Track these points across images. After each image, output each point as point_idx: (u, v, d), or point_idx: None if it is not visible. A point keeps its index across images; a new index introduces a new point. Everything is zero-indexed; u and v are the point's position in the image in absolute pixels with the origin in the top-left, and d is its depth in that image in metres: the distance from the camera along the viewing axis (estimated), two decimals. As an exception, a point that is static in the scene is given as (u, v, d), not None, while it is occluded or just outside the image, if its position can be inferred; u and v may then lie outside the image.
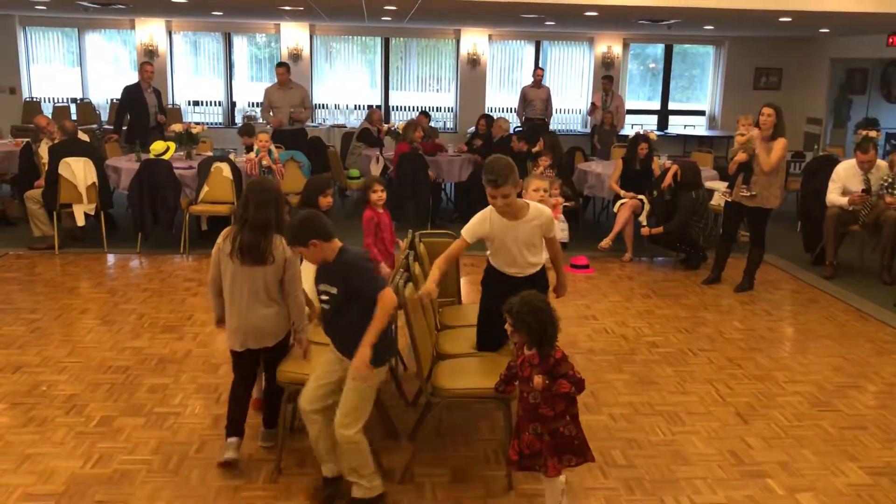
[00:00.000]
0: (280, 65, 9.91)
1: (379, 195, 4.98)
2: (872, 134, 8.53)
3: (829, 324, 6.05)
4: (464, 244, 3.83)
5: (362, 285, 3.21)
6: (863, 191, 7.13)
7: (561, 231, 6.19)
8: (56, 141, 7.74)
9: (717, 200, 8.11)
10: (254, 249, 3.46)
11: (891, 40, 10.44)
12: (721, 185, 8.41)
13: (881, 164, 7.37)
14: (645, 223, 7.70)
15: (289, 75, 9.84)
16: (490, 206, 3.79)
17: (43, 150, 7.95)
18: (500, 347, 3.93)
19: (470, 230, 3.83)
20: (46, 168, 7.57)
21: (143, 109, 9.54)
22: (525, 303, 3.11)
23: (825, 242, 7.40)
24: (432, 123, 11.61)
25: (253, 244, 3.46)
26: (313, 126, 13.03)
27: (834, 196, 7.28)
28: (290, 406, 3.77)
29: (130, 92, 9.58)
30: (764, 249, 6.79)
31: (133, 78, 9.75)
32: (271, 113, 9.74)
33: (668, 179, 7.50)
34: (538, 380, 3.04)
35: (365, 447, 3.30)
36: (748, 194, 6.44)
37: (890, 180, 7.11)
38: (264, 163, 7.70)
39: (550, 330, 3.08)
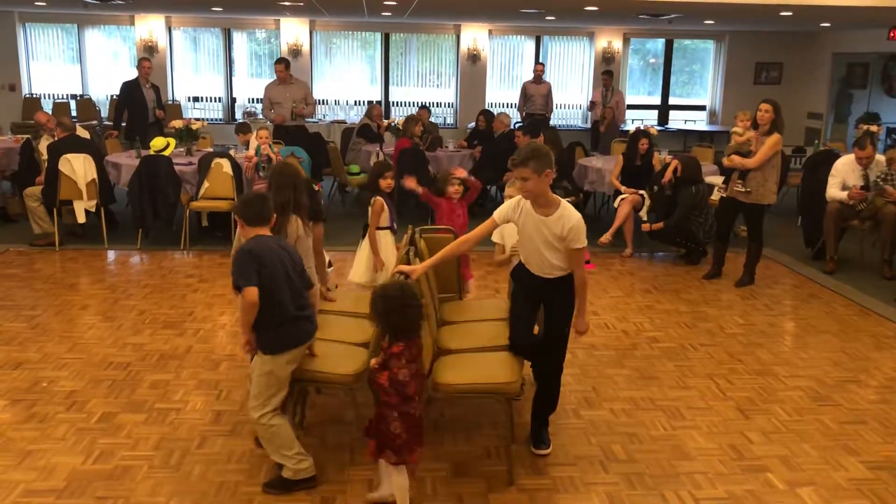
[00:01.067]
0: (279, 61, 9.73)
1: (456, 188, 5.35)
2: (873, 129, 8.53)
3: (829, 319, 6.05)
4: (492, 224, 3.79)
5: (233, 275, 3.31)
6: (861, 187, 7.11)
7: None
8: (56, 138, 7.73)
9: (718, 195, 8.11)
10: (273, 226, 3.66)
11: (892, 34, 10.42)
12: (720, 180, 8.42)
13: (880, 158, 7.37)
14: (645, 218, 7.70)
15: (288, 72, 9.73)
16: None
17: (43, 147, 7.95)
18: (528, 345, 3.83)
19: (500, 211, 3.74)
20: (46, 165, 7.56)
21: (141, 105, 9.53)
22: (380, 288, 3.24)
23: (825, 237, 7.40)
24: (432, 119, 11.60)
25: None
26: (313, 122, 13.02)
27: (833, 191, 7.27)
28: (296, 402, 3.77)
29: (129, 88, 9.57)
30: (762, 244, 6.78)
31: (133, 74, 9.73)
32: (272, 110, 9.68)
33: (669, 174, 7.49)
34: (373, 362, 3.22)
35: (282, 430, 3.40)
36: (743, 190, 6.43)
37: (883, 176, 7.10)
38: (263, 152, 7.66)
39: (395, 319, 3.09)
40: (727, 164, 6.56)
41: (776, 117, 6.32)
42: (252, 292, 3.24)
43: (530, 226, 3.64)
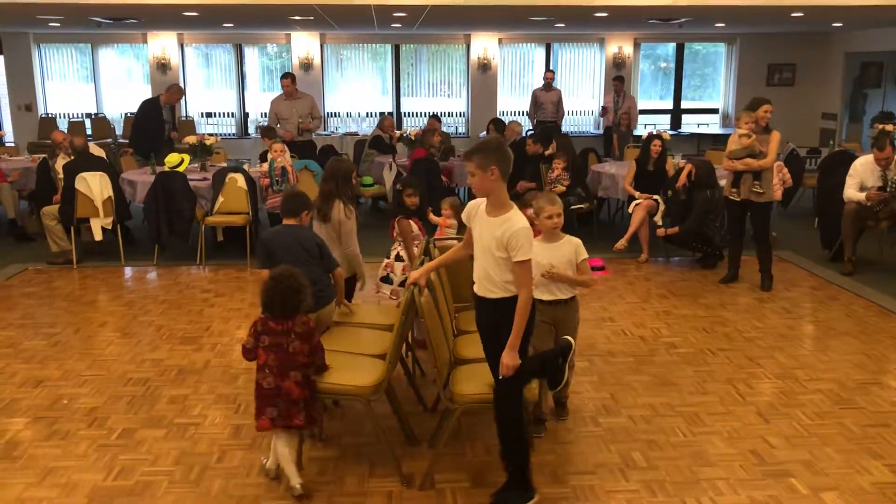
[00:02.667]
0: (285, 76, 9.72)
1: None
2: (888, 128, 8.45)
3: (849, 320, 5.99)
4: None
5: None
6: (879, 188, 7.05)
7: None
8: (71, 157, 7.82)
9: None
10: (320, 211, 4.70)
11: (905, 32, 10.34)
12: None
13: None
14: (660, 223, 7.66)
15: (294, 86, 9.71)
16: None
17: (59, 166, 8.03)
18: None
19: (464, 211, 3.50)
20: (63, 184, 7.64)
21: (158, 124, 9.63)
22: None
23: (843, 238, 7.33)
24: (444, 128, 11.63)
25: (321, 207, 4.71)
26: (325, 134, 13.09)
27: (851, 192, 7.21)
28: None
29: (149, 106, 9.65)
30: (770, 243, 6.75)
31: (146, 91, 9.85)
32: (278, 125, 9.60)
33: (683, 179, 7.46)
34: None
35: None
36: (761, 191, 6.40)
37: None
38: (278, 164, 7.68)
39: (262, 293, 3.57)
40: (742, 167, 6.49)
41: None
42: (263, 272, 3.89)
43: (478, 228, 3.35)
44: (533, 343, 3.74)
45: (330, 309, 4.37)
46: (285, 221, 4.32)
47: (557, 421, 4.23)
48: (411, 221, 5.20)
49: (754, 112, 6.44)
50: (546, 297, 4.01)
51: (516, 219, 3.22)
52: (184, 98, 13.64)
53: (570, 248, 4.05)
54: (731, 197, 6.67)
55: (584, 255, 4.05)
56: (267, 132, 8.63)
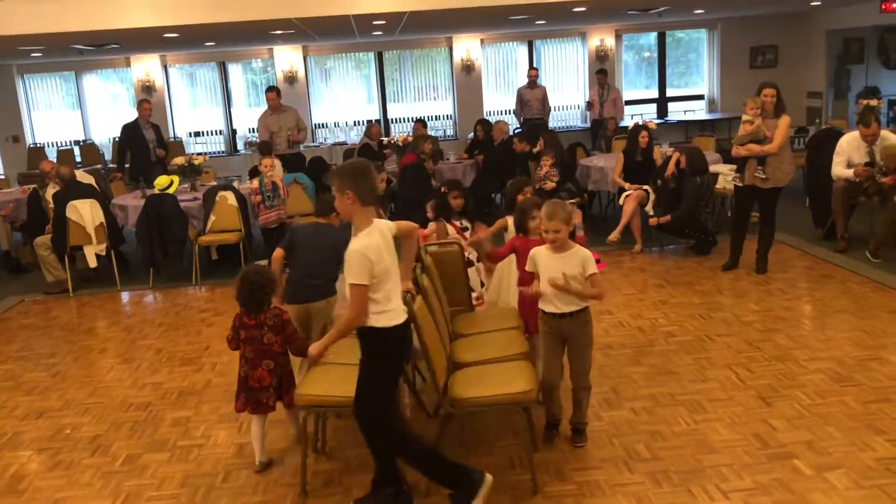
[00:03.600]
0: (270, 89, 9.77)
1: (537, 222, 4.17)
2: (873, 103, 8.46)
3: (845, 298, 6.00)
4: None
5: None
6: (866, 164, 7.07)
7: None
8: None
9: (722, 184, 8.08)
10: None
11: (883, 7, 10.38)
12: (725, 168, 8.39)
13: (886, 134, 7.30)
14: (652, 213, 7.68)
15: (279, 99, 9.78)
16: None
17: (50, 195, 8.03)
18: None
19: None
20: (53, 213, 7.64)
21: (142, 145, 9.64)
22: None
23: (834, 216, 7.35)
24: (431, 132, 11.63)
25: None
26: (314, 146, 13.10)
27: (839, 169, 7.23)
28: (316, 427, 3.78)
29: (129, 130, 9.69)
30: (774, 228, 6.76)
31: (133, 114, 9.84)
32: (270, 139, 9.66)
33: (672, 167, 7.47)
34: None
35: None
36: (764, 177, 6.40)
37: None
38: (268, 180, 7.69)
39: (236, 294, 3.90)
40: (745, 153, 6.42)
41: (779, 99, 6.33)
42: (277, 251, 4.58)
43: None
44: (542, 356, 3.83)
45: (327, 303, 4.58)
46: (317, 220, 4.83)
47: (574, 446, 3.97)
48: (448, 225, 5.21)
49: (759, 97, 6.43)
50: (549, 308, 3.83)
51: (356, 241, 3.20)
52: (169, 116, 13.70)
53: (578, 261, 3.75)
54: (736, 182, 6.65)
55: (593, 269, 3.74)
56: (265, 148, 8.64)
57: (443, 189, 5.69)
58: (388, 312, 3.23)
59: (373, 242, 3.18)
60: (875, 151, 7.10)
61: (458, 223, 5.42)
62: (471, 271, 4.97)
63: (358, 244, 3.16)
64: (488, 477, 3.37)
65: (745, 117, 6.45)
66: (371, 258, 3.12)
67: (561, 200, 3.87)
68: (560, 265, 3.74)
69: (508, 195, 5.11)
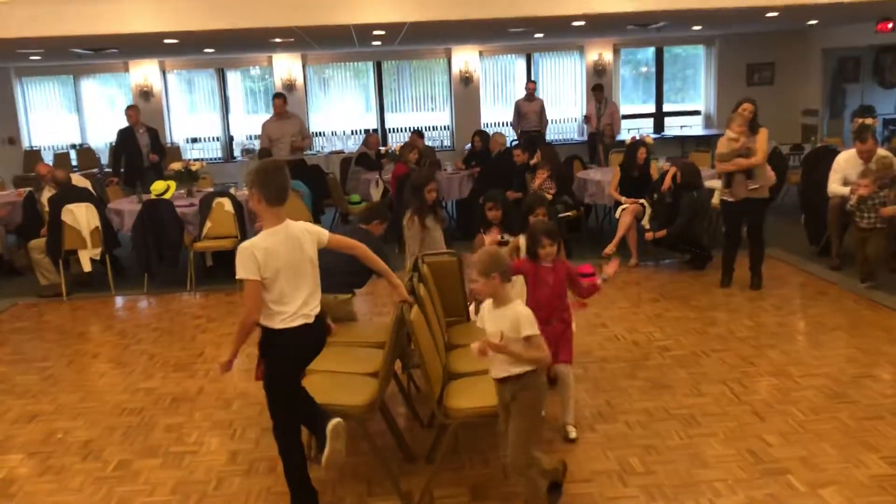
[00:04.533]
0: (277, 95, 9.96)
1: (548, 250, 4.04)
2: (869, 121, 8.52)
3: (839, 315, 6.02)
4: None
5: None
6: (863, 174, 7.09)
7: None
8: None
9: (718, 198, 8.10)
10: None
11: (878, 27, 10.46)
12: (719, 184, 8.41)
13: (881, 152, 7.33)
14: (648, 227, 7.70)
15: (286, 106, 9.90)
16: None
17: (45, 199, 8.01)
18: None
19: None
20: (48, 217, 7.62)
21: (136, 151, 9.64)
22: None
23: (829, 233, 7.38)
24: (428, 142, 11.66)
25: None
26: (312, 154, 13.10)
27: (835, 186, 7.25)
28: (310, 435, 3.76)
29: (123, 134, 9.69)
30: (764, 242, 6.79)
31: (126, 122, 9.83)
32: (272, 147, 9.70)
33: (668, 182, 7.50)
34: None
35: None
36: (756, 186, 6.43)
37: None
38: None
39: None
40: (733, 167, 6.43)
41: (755, 115, 6.45)
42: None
43: None
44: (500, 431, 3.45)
45: (334, 298, 4.48)
46: (360, 226, 4.92)
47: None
48: (485, 237, 5.09)
49: (736, 112, 6.47)
50: (491, 371, 3.34)
51: (253, 238, 3.29)
52: (167, 121, 13.70)
53: (509, 320, 3.18)
54: (726, 198, 6.64)
55: (529, 330, 3.15)
56: (265, 156, 8.67)
57: (480, 200, 5.51)
58: (280, 315, 3.25)
59: (267, 242, 3.23)
60: (872, 167, 7.12)
61: (497, 236, 5.13)
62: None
63: (251, 241, 3.26)
64: None
65: (730, 135, 6.44)
66: (257, 256, 3.17)
67: (495, 249, 3.54)
68: (498, 321, 3.22)
69: (522, 214, 4.88)
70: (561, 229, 4.75)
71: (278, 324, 3.26)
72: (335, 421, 3.34)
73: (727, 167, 6.50)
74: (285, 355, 3.34)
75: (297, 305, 3.28)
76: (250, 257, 3.18)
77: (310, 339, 3.37)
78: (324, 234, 3.45)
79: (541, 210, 4.76)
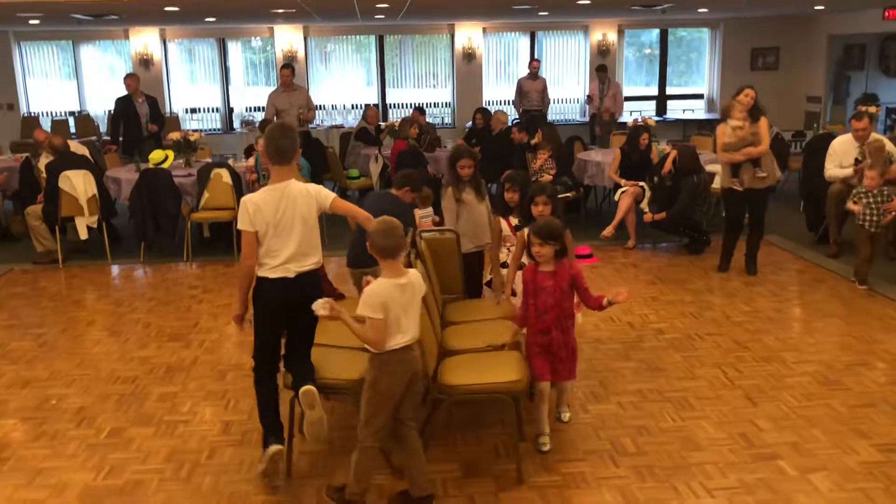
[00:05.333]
0: (286, 66, 9.98)
1: (538, 250, 3.74)
2: (872, 109, 8.47)
3: (835, 302, 6.03)
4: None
5: None
6: (857, 160, 7.07)
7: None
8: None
9: (719, 183, 8.08)
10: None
11: (886, 14, 10.38)
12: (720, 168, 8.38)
13: (874, 136, 7.31)
14: (647, 210, 7.68)
15: (293, 77, 9.87)
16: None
17: (43, 165, 7.96)
18: None
19: None
20: (46, 183, 7.58)
21: (134, 119, 9.57)
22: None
23: (828, 221, 7.37)
24: (430, 119, 11.59)
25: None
26: (312, 127, 13.03)
27: (834, 170, 7.23)
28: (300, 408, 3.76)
29: (122, 102, 9.62)
30: (763, 231, 6.77)
31: (125, 90, 9.75)
32: (278, 118, 9.64)
33: (668, 165, 7.47)
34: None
35: None
36: (765, 175, 6.39)
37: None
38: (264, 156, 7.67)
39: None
40: (742, 158, 6.33)
41: (756, 102, 6.37)
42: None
43: None
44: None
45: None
46: (390, 191, 4.94)
47: None
48: (503, 220, 4.68)
49: (737, 99, 6.40)
50: None
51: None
52: (166, 91, 13.60)
53: None
54: (735, 187, 6.53)
55: (360, 310, 3.16)
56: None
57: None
58: (265, 266, 3.48)
59: (261, 197, 3.46)
60: (866, 152, 7.11)
61: (515, 221, 4.69)
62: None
63: (250, 195, 3.51)
64: (271, 449, 3.53)
65: (734, 123, 6.33)
66: (249, 209, 3.41)
67: (390, 220, 3.27)
68: None
69: (525, 205, 4.48)
70: (560, 210, 4.37)
71: (263, 273, 3.49)
72: (304, 388, 3.42)
73: (737, 157, 6.38)
74: (258, 303, 3.53)
75: (281, 260, 3.45)
76: (244, 210, 3.45)
77: (282, 292, 3.48)
78: (327, 198, 3.57)
79: (540, 199, 4.28)
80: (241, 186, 7.65)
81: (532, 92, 11.87)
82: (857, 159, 7.04)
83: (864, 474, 3.59)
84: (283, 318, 3.57)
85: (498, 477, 3.62)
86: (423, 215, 5.73)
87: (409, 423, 3.37)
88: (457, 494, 3.50)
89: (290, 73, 9.82)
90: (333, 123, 13.61)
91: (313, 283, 3.55)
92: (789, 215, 8.82)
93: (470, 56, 13.94)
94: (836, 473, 3.60)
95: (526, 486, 3.55)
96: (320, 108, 14.16)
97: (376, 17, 11.90)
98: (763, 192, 6.52)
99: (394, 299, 3.15)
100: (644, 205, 7.75)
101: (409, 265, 3.92)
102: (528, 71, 12.12)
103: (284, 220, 3.44)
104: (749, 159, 6.36)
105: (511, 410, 3.69)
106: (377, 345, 3.17)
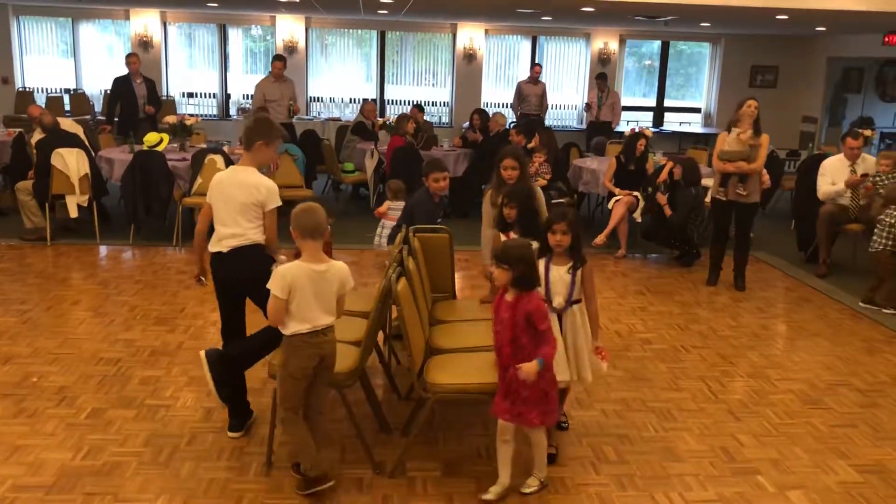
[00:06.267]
0: (279, 58, 10.02)
1: (494, 273, 3.40)
2: (867, 133, 8.53)
3: (821, 322, 6.06)
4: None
5: None
6: (863, 175, 7.13)
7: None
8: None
9: (710, 197, 8.11)
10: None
11: (886, 39, 10.45)
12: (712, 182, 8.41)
13: (868, 157, 7.39)
14: (640, 220, 7.70)
15: (284, 69, 9.92)
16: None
17: (34, 141, 7.90)
18: None
19: None
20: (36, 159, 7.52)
21: (132, 100, 9.54)
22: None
23: (818, 241, 7.41)
24: (427, 118, 11.58)
25: None
26: (308, 119, 13.00)
27: (827, 187, 7.27)
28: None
29: (119, 83, 9.58)
30: (750, 244, 6.80)
31: (125, 69, 9.70)
32: (265, 108, 9.65)
33: (664, 175, 7.49)
34: None
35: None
36: (745, 193, 6.43)
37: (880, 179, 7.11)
38: None
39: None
40: (733, 169, 6.37)
41: (759, 115, 6.39)
42: None
43: None
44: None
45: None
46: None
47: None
48: (503, 235, 4.33)
49: (740, 111, 6.41)
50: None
51: None
52: (164, 74, 13.53)
53: None
54: (719, 196, 6.61)
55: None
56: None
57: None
58: (213, 239, 3.80)
59: (221, 175, 3.83)
60: (857, 170, 7.18)
61: (512, 237, 4.37)
62: None
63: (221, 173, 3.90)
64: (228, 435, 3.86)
65: (738, 131, 6.39)
66: (211, 184, 3.79)
67: (309, 205, 3.38)
68: None
69: (532, 227, 4.14)
70: (580, 242, 3.78)
71: (210, 246, 3.82)
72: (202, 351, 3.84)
73: (729, 168, 6.43)
74: (212, 272, 3.85)
75: (220, 235, 3.76)
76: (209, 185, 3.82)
77: (218, 266, 3.79)
78: (270, 204, 3.75)
79: (559, 227, 3.65)
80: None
81: (532, 96, 11.88)
82: (863, 174, 7.10)
83: (842, 494, 3.61)
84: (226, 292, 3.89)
85: (478, 478, 3.61)
86: (393, 207, 5.74)
87: (315, 413, 3.48)
88: (435, 493, 3.49)
89: (281, 66, 9.91)
90: (330, 116, 13.57)
91: (243, 260, 3.75)
92: (780, 234, 8.86)
93: (471, 57, 13.94)
94: (814, 492, 3.62)
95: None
96: (318, 101, 14.16)
97: (379, 12, 11.88)
98: (749, 207, 6.56)
99: (302, 284, 3.22)
100: (637, 215, 7.77)
101: (402, 262, 3.91)
102: (528, 74, 12.13)
103: (228, 201, 3.72)
104: (738, 173, 6.39)
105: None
106: (273, 322, 3.33)
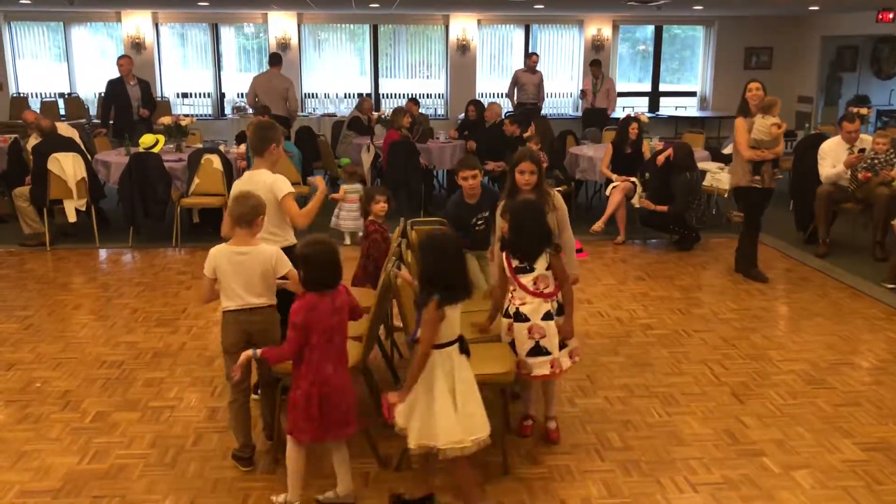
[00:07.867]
0: (276, 58, 10.31)
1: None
2: (863, 111, 8.52)
3: (822, 302, 6.06)
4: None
5: None
6: (860, 150, 7.12)
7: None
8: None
9: (710, 181, 8.12)
10: None
11: (880, 17, 10.43)
12: (713, 166, 8.42)
13: (865, 137, 7.38)
14: (637, 205, 7.70)
15: (280, 69, 10.20)
16: None
17: (31, 147, 7.89)
18: None
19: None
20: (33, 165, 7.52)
21: (126, 102, 9.53)
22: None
23: (817, 221, 7.40)
24: (422, 110, 11.55)
25: None
26: (303, 115, 12.98)
27: (828, 170, 7.25)
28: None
29: (113, 86, 9.57)
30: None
31: (118, 72, 9.68)
32: (257, 100, 9.90)
33: (662, 159, 7.48)
34: None
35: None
36: (781, 177, 6.42)
37: (877, 159, 7.10)
38: None
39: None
40: (772, 156, 6.19)
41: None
42: None
43: None
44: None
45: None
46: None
47: None
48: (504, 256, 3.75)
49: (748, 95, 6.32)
50: None
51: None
52: (157, 75, 13.50)
53: None
54: (756, 185, 6.31)
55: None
56: (260, 112, 8.61)
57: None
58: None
59: (241, 182, 4.03)
60: (856, 150, 7.17)
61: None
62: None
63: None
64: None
65: (772, 120, 6.15)
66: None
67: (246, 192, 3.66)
68: None
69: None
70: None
71: None
72: None
73: (768, 155, 6.19)
74: None
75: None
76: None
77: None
78: (279, 192, 3.95)
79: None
80: (231, 173, 7.61)
81: (528, 85, 11.84)
82: (860, 149, 7.08)
83: (847, 472, 3.62)
84: None
85: (484, 467, 3.62)
86: (350, 190, 5.76)
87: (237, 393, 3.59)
88: (442, 485, 3.50)
89: (278, 67, 10.19)
90: (325, 112, 13.55)
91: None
92: (779, 214, 8.84)
93: (464, 48, 13.91)
94: (818, 471, 3.63)
95: (511, 477, 3.56)
96: (313, 97, 14.14)
97: (371, 5, 11.85)
98: (769, 191, 6.44)
99: (221, 265, 3.43)
100: (635, 200, 7.76)
101: (400, 256, 3.91)
102: (524, 64, 12.09)
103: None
104: (773, 160, 6.27)
105: (498, 402, 3.69)
106: (197, 299, 3.78)
